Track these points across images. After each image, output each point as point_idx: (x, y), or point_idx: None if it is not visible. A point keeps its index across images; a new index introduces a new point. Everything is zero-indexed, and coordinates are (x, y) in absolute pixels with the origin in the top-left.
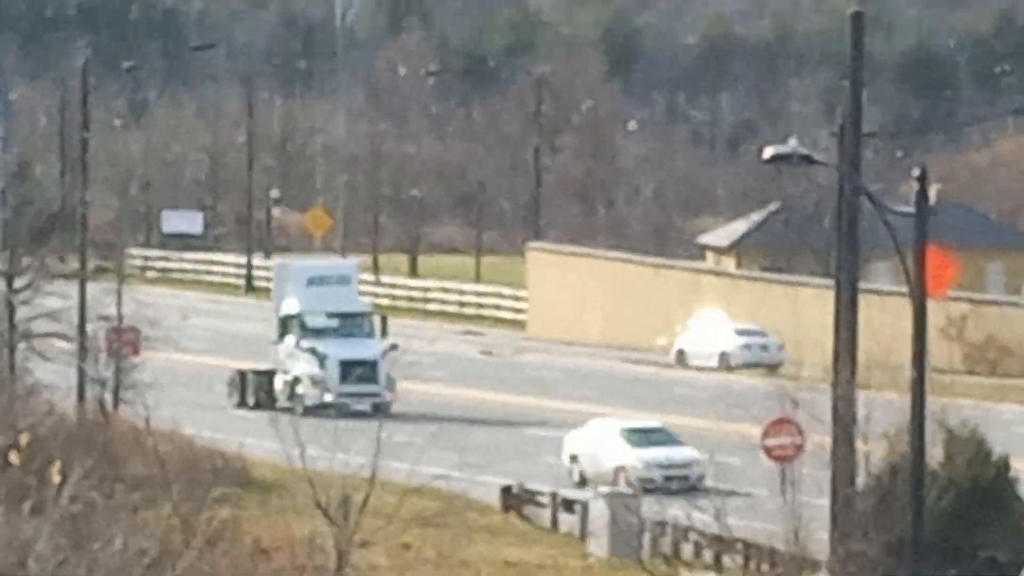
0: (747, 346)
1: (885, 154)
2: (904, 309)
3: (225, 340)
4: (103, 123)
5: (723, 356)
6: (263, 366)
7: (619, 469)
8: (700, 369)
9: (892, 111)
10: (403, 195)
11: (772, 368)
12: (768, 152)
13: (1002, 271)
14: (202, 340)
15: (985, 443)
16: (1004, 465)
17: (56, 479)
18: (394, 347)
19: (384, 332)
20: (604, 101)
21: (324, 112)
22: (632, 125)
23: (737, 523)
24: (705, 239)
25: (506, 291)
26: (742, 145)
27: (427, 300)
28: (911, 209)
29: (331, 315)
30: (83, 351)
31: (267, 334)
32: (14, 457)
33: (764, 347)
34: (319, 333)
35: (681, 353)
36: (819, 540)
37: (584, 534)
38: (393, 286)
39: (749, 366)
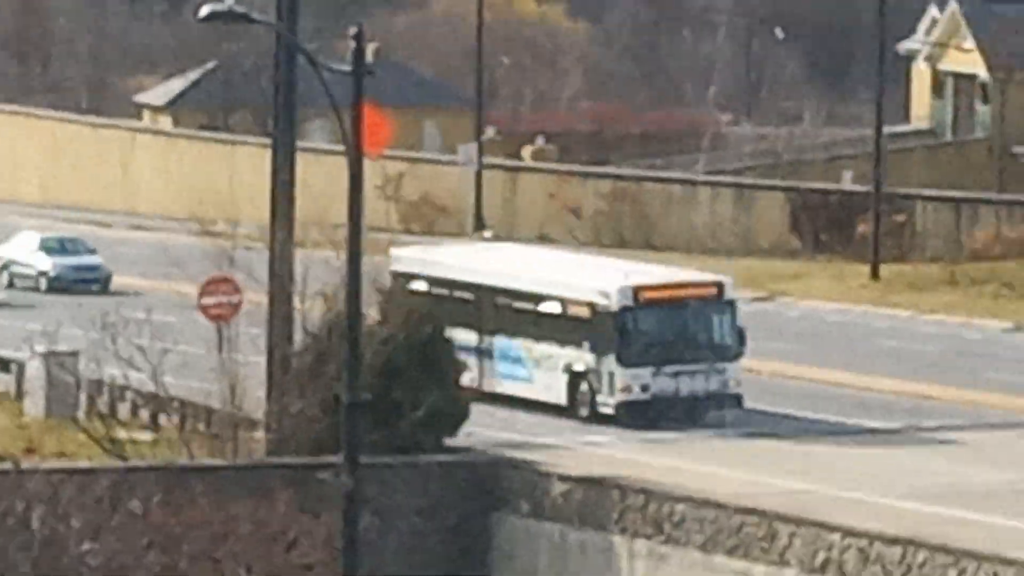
0: None
1: (323, 14)
2: (341, 168)
3: None
4: None
5: None
6: None
7: (41, 273)
8: None
9: None
10: None
11: None
12: (204, 10)
13: (437, 130)
14: None
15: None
16: (440, 325)
17: None
18: None
19: None
20: None
21: None
22: None
23: (174, 382)
24: (142, 98)
25: None
26: (183, 3)
27: None
28: (348, 68)
29: None
30: None
31: None
32: None
33: None
34: None
35: None
36: (257, 399)
37: (20, 393)
38: None
39: None
